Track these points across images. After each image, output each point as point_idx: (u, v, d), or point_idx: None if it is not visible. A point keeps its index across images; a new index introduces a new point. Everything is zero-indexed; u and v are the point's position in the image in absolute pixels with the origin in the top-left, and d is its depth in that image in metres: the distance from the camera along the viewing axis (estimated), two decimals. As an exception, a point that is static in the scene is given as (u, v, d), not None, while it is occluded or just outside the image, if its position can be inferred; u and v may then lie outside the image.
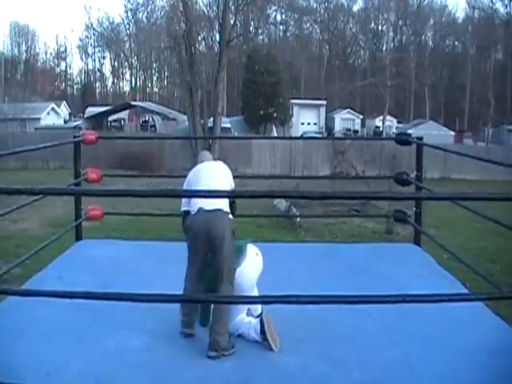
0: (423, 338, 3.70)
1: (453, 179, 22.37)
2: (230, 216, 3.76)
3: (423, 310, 3.72)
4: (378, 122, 46.21)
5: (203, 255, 3.74)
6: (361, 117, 48.80)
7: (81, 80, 73.19)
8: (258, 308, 3.89)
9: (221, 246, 3.60)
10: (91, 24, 68.82)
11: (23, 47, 69.77)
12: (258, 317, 3.82)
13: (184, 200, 3.94)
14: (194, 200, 3.75)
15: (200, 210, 3.66)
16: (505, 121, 46.28)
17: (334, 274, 4.95)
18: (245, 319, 3.77)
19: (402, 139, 6.39)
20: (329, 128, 45.33)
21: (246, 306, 3.85)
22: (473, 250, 8.90)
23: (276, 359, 3.50)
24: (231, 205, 3.90)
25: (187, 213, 3.84)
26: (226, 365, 3.42)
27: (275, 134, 36.71)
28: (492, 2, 57.38)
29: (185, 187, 3.91)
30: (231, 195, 3.79)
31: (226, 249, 3.61)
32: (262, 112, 36.99)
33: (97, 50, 72.27)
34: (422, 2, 58.68)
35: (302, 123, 44.13)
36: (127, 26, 68.41)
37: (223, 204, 3.72)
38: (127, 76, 71.51)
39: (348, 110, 48.28)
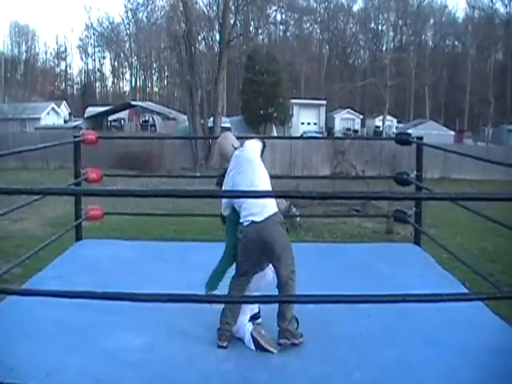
0: (423, 338, 3.70)
1: (453, 179, 22.35)
2: (279, 216, 3.72)
3: (423, 309, 3.72)
4: (378, 121, 46.17)
5: (255, 264, 3.72)
6: (361, 117, 48.77)
7: (81, 80, 73.15)
8: (254, 307, 3.90)
9: (277, 251, 3.61)
10: (91, 24, 68.78)
11: (23, 47, 69.71)
12: (254, 317, 3.82)
13: (225, 201, 3.84)
14: (243, 206, 3.68)
15: (251, 223, 3.63)
16: (505, 121, 46.26)
17: (334, 273, 4.96)
18: (244, 323, 3.77)
19: (402, 139, 6.39)
20: (329, 128, 45.31)
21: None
22: (473, 249, 8.89)
23: (276, 359, 3.50)
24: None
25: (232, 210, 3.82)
26: (227, 365, 3.42)
27: (275, 134, 36.70)
28: (492, 2, 57.36)
29: (226, 187, 3.80)
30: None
31: (284, 254, 3.62)
32: (261, 112, 36.97)
33: (97, 49, 72.22)
34: (422, 1, 58.62)
35: (302, 123, 44.11)
36: (127, 26, 68.39)
37: (271, 206, 3.66)
38: (127, 76, 71.51)
39: (348, 109, 48.25)
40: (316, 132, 40.64)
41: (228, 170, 3.86)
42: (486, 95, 48.37)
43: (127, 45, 69.03)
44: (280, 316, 3.62)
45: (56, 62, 72.49)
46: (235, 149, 3.88)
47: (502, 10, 57.19)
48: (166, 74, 66.65)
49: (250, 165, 3.76)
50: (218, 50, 28.44)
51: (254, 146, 3.89)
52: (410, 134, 6.82)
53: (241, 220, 3.69)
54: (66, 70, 72.96)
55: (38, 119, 40.60)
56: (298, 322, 3.67)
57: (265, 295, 3.67)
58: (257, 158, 3.82)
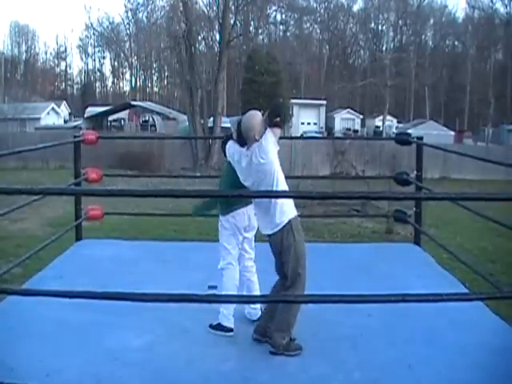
0: (423, 338, 3.70)
1: (453, 179, 22.34)
2: (290, 225, 3.59)
3: (423, 309, 3.72)
4: (378, 121, 46.18)
5: (277, 264, 3.73)
6: (361, 117, 48.79)
7: (81, 80, 73.11)
8: (257, 312, 3.93)
9: (282, 256, 3.63)
10: (91, 24, 68.70)
11: (23, 47, 69.67)
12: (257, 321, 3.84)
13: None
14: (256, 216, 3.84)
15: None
16: (505, 121, 46.25)
17: (334, 273, 4.96)
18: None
19: (402, 139, 6.39)
20: (329, 128, 45.32)
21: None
22: (473, 249, 8.89)
23: (276, 359, 3.50)
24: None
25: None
26: (227, 364, 3.42)
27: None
28: (492, 2, 57.33)
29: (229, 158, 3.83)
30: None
31: (289, 259, 3.61)
32: (262, 112, 36.98)
33: (97, 49, 72.18)
34: (422, 1, 58.62)
35: (302, 123, 44.11)
36: (127, 26, 68.30)
37: (282, 215, 3.57)
38: (127, 76, 71.47)
39: (348, 109, 48.26)
40: (316, 132, 40.64)
41: (245, 154, 3.68)
42: (486, 95, 48.36)
43: (127, 45, 69.01)
44: (274, 324, 3.57)
45: (56, 61, 72.52)
46: (256, 141, 3.65)
47: (502, 10, 57.24)
48: (166, 73, 66.62)
49: (265, 176, 3.60)
50: (217, 50, 28.44)
51: (272, 151, 3.63)
52: (409, 134, 6.82)
53: None
54: (65, 70, 72.98)
55: (38, 119, 40.58)
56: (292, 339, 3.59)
57: (263, 295, 3.68)
58: (273, 170, 3.61)
